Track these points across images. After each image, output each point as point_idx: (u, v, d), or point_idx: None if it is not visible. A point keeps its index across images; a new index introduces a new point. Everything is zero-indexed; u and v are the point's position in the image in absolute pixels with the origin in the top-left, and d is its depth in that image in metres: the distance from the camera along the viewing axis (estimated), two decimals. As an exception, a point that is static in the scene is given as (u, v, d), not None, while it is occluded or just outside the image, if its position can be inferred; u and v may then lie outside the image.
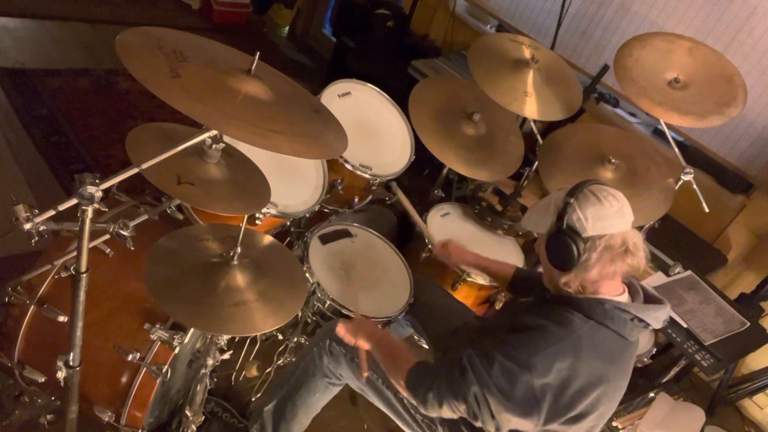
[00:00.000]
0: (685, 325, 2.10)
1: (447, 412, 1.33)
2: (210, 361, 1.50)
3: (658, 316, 1.31)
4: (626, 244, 1.25)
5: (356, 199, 2.22)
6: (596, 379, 1.25)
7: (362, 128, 2.24)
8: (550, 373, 1.22)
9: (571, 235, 1.24)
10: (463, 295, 2.09)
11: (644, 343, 2.22)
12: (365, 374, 1.54)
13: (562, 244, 1.25)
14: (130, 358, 1.49)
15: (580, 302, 1.29)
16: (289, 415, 1.75)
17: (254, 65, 1.21)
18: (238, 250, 1.36)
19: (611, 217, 1.25)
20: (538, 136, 2.31)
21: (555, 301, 1.35)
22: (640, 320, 1.29)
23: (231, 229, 1.52)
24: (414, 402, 1.39)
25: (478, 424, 1.30)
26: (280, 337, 2.07)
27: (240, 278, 1.36)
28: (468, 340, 1.48)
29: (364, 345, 1.55)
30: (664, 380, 2.44)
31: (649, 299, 1.35)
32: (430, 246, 2.00)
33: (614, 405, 1.34)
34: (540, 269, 1.46)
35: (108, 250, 1.56)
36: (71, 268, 1.17)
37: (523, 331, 1.28)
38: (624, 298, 1.32)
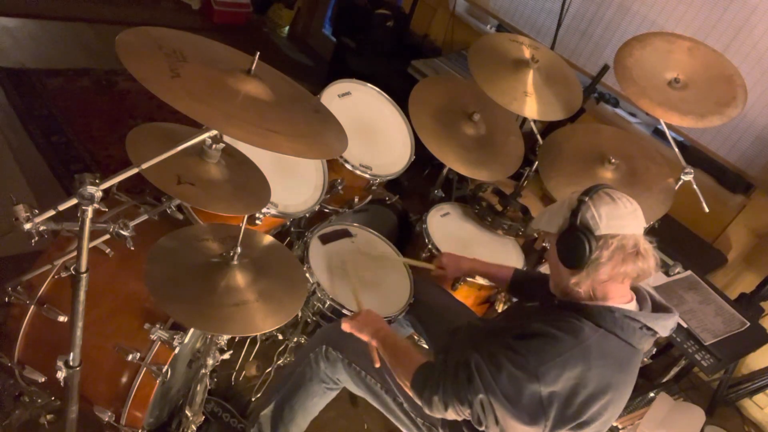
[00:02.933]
0: (685, 325, 2.10)
1: (452, 415, 1.33)
2: (210, 361, 1.50)
3: (666, 325, 1.31)
4: (638, 247, 1.25)
5: (356, 199, 2.22)
6: (604, 388, 1.24)
7: (362, 128, 2.24)
8: (558, 382, 1.21)
9: (584, 232, 1.23)
10: (463, 295, 2.09)
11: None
12: (377, 365, 1.53)
13: (575, 241, 1.24)
14: (130, 358, 1.49)
15: (589, 309, 1.27)
16: (287, 418, 1.74)
17: (254, 65, 1.21)
18: (238, 250, 1.36)
19: (625, 217, 1.24)
20: (538, 136, 2.31)
21: (563, 307, 1.33)
22: (649, 328, 1.28)
23: (231, 229, 1.52)
24: (419, 402, 1.39)
25: (482, 428, 1.30)
26: (280, 337, 2.07)
27: (240, 278, 1.36)
28: (470, 342, 1.48)
29: (369, 341, 1.54)
30: (664, 380, 2.44)
31: (657, 307, 1.35)
32: (432, 273, 1.99)
33: (619, 411, 1.34)
34: (541, 269, 1.45)
35: (108, 250, 1.57)
36: (71, 268, 1.17)
37: (532, 338, 1.26)
38: (632, 305, 1.31)
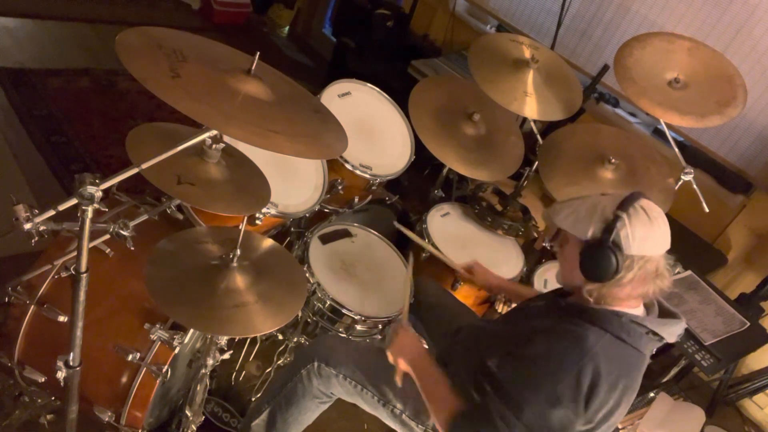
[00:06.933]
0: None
1: None
2: (210, 361, 1.50)
3: (673, 331, 1.30)
4: (659, 269, 1.24)
5: (356, 199, 2.22)
6: (612, 392, 1.24)
7: (362, 128, 2.24)
8: (578, 394, 1.20)
9: (614, 250, 1.20)
10: (463, 294, 2.09)
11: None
12: (399, 384, 1.49)
13: (603, 258, 1.21)
14: (130, 358, 1.49)
15: (596, 313, 1.26)
16: (280, 430, 1.72)
17: (254, 65, 1.21)
18: (238, 252, 1.36)
19: (656, 239, 1.23)
20: (538, 136, 2.31)
21: (570, 308, 1.32)
22: (655, 334, 1.28)
23: (230, 231, 1.52)
24: None
25: None
26: (280, 337, 2.07)
27: (240, 280, 1.36)
28: (473, 344, 1.47)
29: (404, 367, 1.48)
30: (664, 380, 2.44)
31: (664, 312, 1.34)
32: (456, 274, 1.98)
33: (622, 415, 1.33)
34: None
35: (108, 250, 1.57)
36: (71, 268, 1.17)
37: (539, 361, 1.25)
38: (639, 311, 1.29)
